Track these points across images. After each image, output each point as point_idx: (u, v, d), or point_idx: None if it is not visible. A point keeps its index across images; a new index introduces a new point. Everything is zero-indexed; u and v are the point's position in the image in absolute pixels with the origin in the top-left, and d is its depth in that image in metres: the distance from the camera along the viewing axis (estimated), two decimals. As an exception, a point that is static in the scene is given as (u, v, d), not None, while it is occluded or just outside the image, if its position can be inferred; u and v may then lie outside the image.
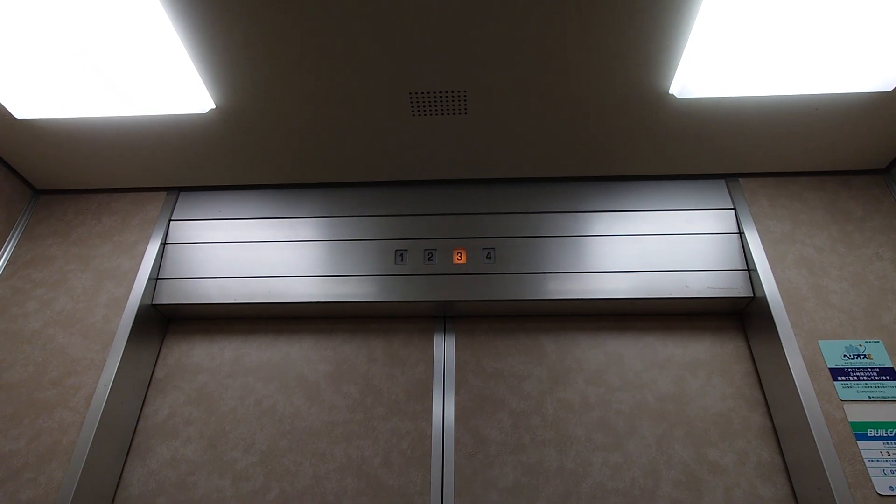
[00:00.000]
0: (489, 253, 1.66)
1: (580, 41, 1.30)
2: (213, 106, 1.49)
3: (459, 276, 1.63)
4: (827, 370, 1.40)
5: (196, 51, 1.33)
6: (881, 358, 1.41)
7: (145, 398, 1.63)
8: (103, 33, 1.28)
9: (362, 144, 1.64)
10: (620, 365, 1.61)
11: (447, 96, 1.46)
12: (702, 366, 1.59)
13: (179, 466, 1.52)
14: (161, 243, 1.73)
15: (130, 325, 1.57)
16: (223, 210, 1.79)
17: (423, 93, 1.45)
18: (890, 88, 1.39)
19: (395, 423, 1.56)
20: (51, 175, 1.80)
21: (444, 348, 1.67)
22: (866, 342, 1.44)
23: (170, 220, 1.78)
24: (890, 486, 1.25)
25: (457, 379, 1.62)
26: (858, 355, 1.42)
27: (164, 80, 1.40)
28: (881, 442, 1.31)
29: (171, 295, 1.66)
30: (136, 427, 1.59)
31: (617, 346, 1.64)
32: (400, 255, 1.67)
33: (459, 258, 1.65)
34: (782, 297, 1.51)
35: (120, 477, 1.51)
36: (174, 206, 1.81)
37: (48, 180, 1.83)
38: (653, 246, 1.64)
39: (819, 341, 1.44)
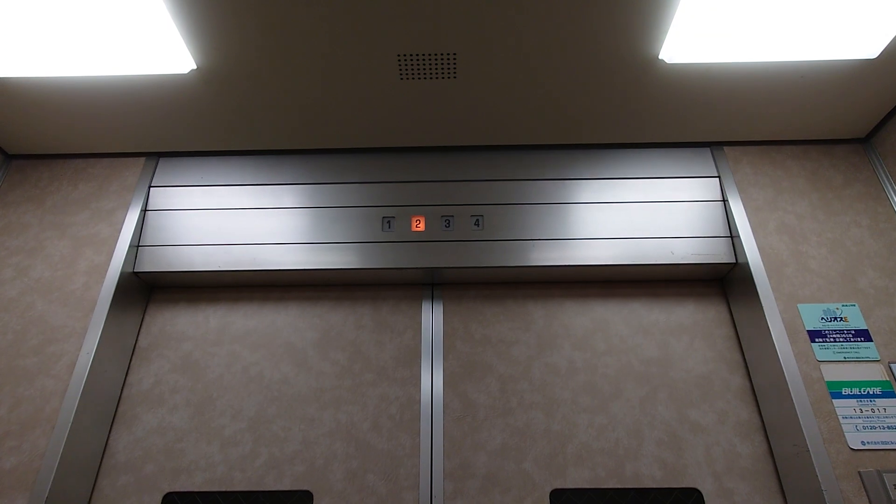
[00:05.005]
0: (477, 220, 1.66)
1: (571, 3, 1.29)
2: (194, 66, 1.44)
3: (447, 243, 1.62)
4: (805, 332, 1.45)
5: (176, 6, 1.28)
6: (856, 320, 1.46)
7: (129, 366, 1.61)
8: (77, -15, 1.22)
9: (348, 108, 1.60)
10: (606, 330, 1.64)
11: (436, 59, 1.43)
12: (685, 330, 1.63)
13: (166, 434, 1.51)
14: (141, 210, 1.68)
15: (112, 292, 1.54)
16: (205, 176, 1.75)
17: (411, 55, 1.42)
18: (874, 56, 1.41)
19: (383, 389, 1.56)
20: (24, 139, 1.73)
21: (431, 315, 1.67)
22: (843, 305, 1.48)
23: (150, 187, 1.73)
24: (862, 441, 1.31)
25: (445, 345, 1.62)
26: (835, 318, 1.46)
27: (143, 37, 1.35)
28: (854, 400, 1.36)
29: (153, 262, 1.62)
30: (120, 395, 1.57)
31: (603, 311, 1.67)
32: (387, 221, 1.66)
33: (447, 225, 1.65)
34: (764, 263, 1.54)
35: (106, 445, 1.50)
36: (154, 171, 1.76)
37: (21, 144, 1.76)
38: (639, 213, 1.66)
39: (798, 305, 1.48)
